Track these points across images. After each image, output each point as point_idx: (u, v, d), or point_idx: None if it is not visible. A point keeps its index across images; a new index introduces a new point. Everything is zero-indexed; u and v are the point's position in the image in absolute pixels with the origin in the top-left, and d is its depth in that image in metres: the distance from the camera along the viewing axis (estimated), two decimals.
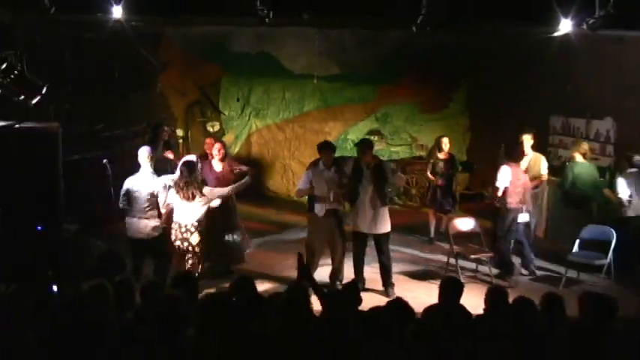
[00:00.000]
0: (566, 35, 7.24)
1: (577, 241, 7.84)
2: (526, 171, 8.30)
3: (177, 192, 6.73)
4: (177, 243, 6.82)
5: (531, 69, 10.22)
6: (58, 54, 8.56)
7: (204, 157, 8.04)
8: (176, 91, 12.38)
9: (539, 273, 8.22)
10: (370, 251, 7.58)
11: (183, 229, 6.78)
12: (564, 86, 9.71)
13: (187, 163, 6.85)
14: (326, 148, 7.47)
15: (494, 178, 7.95)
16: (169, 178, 6.91)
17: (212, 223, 7.21)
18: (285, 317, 4.19)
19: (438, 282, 5.09)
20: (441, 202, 9.37)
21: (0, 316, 4.20)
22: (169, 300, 4.05)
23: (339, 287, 7.03)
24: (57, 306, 4.46)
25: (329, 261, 7.56)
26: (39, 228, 6.34)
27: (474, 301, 4.93)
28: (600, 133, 9.20)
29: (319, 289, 5.27)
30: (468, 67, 12.05)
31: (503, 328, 4.23)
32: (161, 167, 7.23)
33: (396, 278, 7.69)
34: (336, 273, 7.51)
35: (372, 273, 7.61)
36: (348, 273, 7.51)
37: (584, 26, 6.83)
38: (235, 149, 12.43)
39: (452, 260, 8.00)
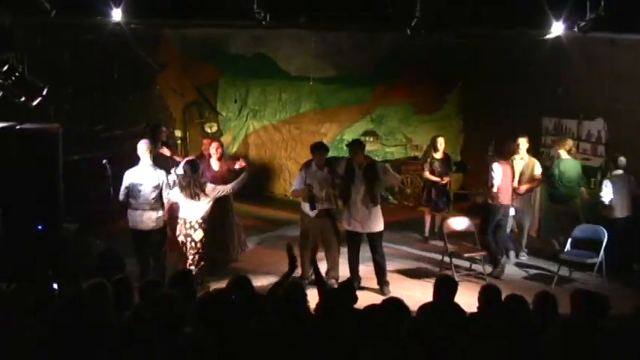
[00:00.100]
0: (558, 38, 7.27)
1: (569, 240, 7.96)
2: (521, 174, 8.47)
3: (182, 191, 6.87)
4: (181, 238, 6.99)
5: (524, 71, 10.30)
6: (58, 56, 8.59)
7: (201, 157, 8.12)
8: (174, 93, 12.46)
9: (531, 271, 8.36)
10: (365, 250, 7.66)
11: (187, 225, 6.95)
12: (556, 88, 9.81)
13: (190, 163, 6.99)
14: (319, 149, 7.58)
15: (486, 176, 8.08)
16: (172, 178, 7.03)
17: (209, 222, 7.32)
18: (283, 315, 4.24)
19: (432, 280, 5.12)
20: (435, 202, 9.47)
21: (0, 316, 4.22)
22: (168, 299, 4.08)
23: (335, 286, 7.13)
24: (57, 306, 4.45)
25: (324, 260, 7.63)
26: (39, 228, 6.38)
27: (468, 299, 5.02)
28: (592, 134, 9.30)
29: (321, 279, 5.35)
30: (462, 70, 12.13)
31: (496, 326, 4.26)
32: (160, 164, 7.32)
33: (391, 276, 7.77)
34: (331, 272, 7.61)
35: (367, 272, 7.69)
36: (344, 272, 7.59)
37: (576, 29, 6.85)
38: (233, 150, 12.51)
39: (446, 259, 8.09)
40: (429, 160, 9.53)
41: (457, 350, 4.04)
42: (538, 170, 8.55)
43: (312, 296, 4.67)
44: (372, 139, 12.69)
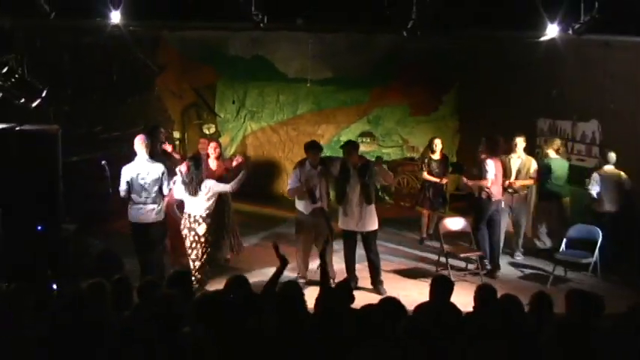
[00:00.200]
0: (552, 40, 7.32)
1: (564, 240, 8.03)
2: (518, 172, 8.57)
3: (185, 187, 7.00)
4: (185, 232, 7.10)
5: (519, 73, 10.37)
6: (57, 58, 8.63)
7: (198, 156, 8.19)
8: (173, 94, 12.51)
9: (527, 271, 8.43)
10: (360, 248, 7.69)
11: (192, 219, 7.06)
12: (551, 89, 9.88)
13: (194, 158, 7.13)
14: (312, 147, 7.64)
15: (480, 171, 8.16)
16: (177, 177, 7.14)
17: None
18: (281, 314, 4.27)
19: (429, 280, 5.16)
20: (432, 201, 9.55)
21: (0, 316, 4.23)
22: (167, 299, 4.09)
23: (332, 285, 7.17)
24: (57, 306, 4.47)
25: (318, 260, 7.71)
26: (39, 228, 6.41)
27: (464, 298, 5.04)
28: (586, 135, 9.37)
29: (327, 276, 5.40)
30: (458, 71, 12.22)
31: (492, 326, 4.27)
32: (161, 162, 7.41)
33: (388, 276, 7.84)
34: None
35: (364, 271, 7.73)
36: (341, 271, 7.64)
37: (570, 31, 6.89)
38: (231, 151, 12.56)
39: (442, 259, 8.15)
40: (426, 161, 9.60)
41: (457, 350, 4.06)
42: (534, 169, 8.65)
43: (309, 296, 4.68)
44: (368, 140, 12.79)
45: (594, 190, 8.12)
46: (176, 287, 4.59)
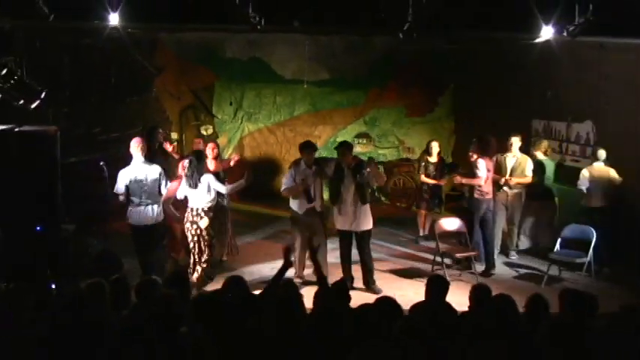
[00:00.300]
0: (547, 42, 7.36)
1: (559, 240, 8.08)
2: (513, 170, 8.65)
3: (186, 181, 7.12)
4: (187, 225, 7.20)
5: (514, 74, 10.44)
6: (56, 60, 8.68)
7: None
8: (171, 96, 12.54)
9: (521, 271, 8.49)
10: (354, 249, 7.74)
11: (194, 213, 7.18)
12: (546, 91, 9.95)
13: (197, 153, 7.25)
14: (307, 147, 7.70)
15: (473, 171, 8.24)
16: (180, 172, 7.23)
17: None
18: (278, 315, 4.25)
19: (424, 280, 5.19)
20: (427, 201, 9.62)
21: (0, 316, 4.23)
22: (166, 299, 4.09)
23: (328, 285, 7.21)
24: (57, 306, 4.45)
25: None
26: (38, 228, 6.42)
27: (459, 298, 5.10)
28: (580, 136, 9.44)
29: (323, 275, 5.46)
30: (453, 73, 12.30)
31: (487, 325, 4.27)
32: (160, 162, 7.48)
33: (384, 276, 7.89)
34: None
35: (359, 272, 7.72)
36: (337, 271, 7.66)
37: (565, 33, 6.93)
38: (228, 152, 12.60)
39: (438, 259, 8.19)
40: (423, 164, 9.67)
41: (456, 350, 4.06)
42: (529, 168, 8.72)
43: (306, 295, 4.70)
44: (365, 141, 12.87)
45: (583, 185, 8.23)
46: (175, 287, 4.59)
